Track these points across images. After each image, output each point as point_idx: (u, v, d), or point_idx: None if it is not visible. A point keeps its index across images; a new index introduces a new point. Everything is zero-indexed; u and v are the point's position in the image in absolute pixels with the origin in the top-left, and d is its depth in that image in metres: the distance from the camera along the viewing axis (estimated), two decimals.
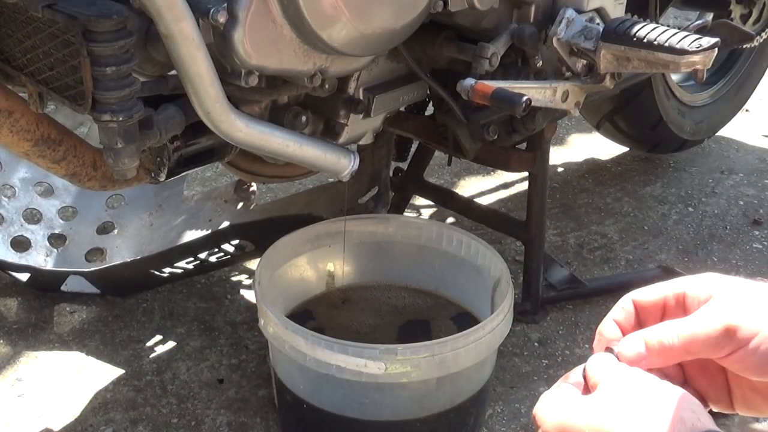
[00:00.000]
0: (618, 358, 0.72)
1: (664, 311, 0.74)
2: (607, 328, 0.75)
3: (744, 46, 2.25)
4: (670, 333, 0.70)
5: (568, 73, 1.57)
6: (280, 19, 1.24)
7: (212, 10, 1.17)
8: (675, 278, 0.74)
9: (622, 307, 0.75)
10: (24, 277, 1.93)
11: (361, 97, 1.48)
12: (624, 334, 0.74)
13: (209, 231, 1.94)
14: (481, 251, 1.68)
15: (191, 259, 1.96)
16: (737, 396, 0.73)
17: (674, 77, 2.42)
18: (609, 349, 0.73)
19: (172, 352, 1.83)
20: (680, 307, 0.73)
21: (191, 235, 1.94)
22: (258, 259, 1.64)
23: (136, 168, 1.22)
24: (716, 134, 2.66)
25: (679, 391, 0.66)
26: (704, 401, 0.74)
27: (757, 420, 1.67)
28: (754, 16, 2.30)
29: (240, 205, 1.98)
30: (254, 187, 1.99)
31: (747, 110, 2.85)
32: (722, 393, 0.74)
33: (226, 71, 1.26)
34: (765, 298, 0.69)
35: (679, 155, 2.63)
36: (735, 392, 0.73)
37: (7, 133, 1.27)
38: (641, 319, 0.75)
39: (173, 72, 1.22)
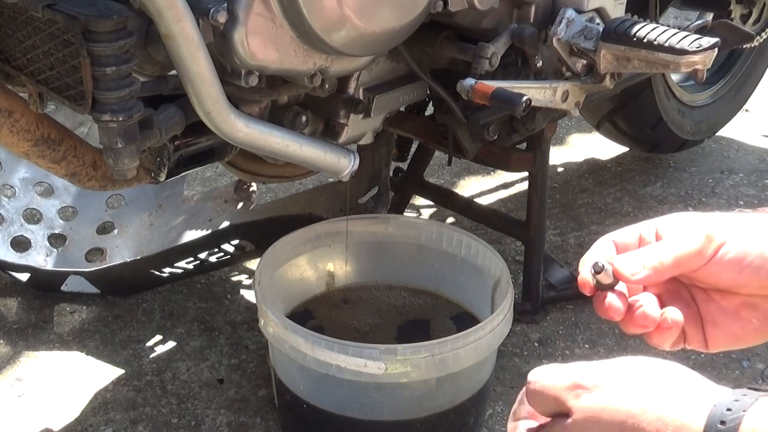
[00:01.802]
0: (614, 274, 0.76)
1: (640, 245, 0.80)
2: (592, 254, 0.79)
3: (744, 46, 2.25)
4: (661, 250, 0.77)
5: (568, 73, 1.57)
6: (280, 19, 1.24)
7: (212, 10, 1.17)
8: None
9: (604, 244, 0.80)
10: (24, 277, 1.93)
11: (361, 97, 1.48)
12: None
13: (209, 231, 1.94)
14: (481, 251, 1.68)
15: (191, 259, 1.96)
16: (708, 322, 0.79)
17: (674, 77, 2.41)
18: (597, 265, 0.76)
19: (172, 352, 1.83)
20: (655, 239, 0.80)
21: (191, 235, 1.94)
22: (258, 259, 1.64)
23: (136, 168, 1.22)
24: (716, 134, 2.66)
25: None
26: (684, 338, 0.79)
27: None
28: (754, 16, 2.30)
29: (240, 205, 1.98)
30: (254, 187, 1.99)
31: (747, 110, 2.85)
32: (696, 323, 0.79)
33: (226, 71, 1.26)
34: (727, 217, 0.78)
35: (679, 155, 2.63)
36: (706, 318, 0.79)
37: (7, 133, 1.27)
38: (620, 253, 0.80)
39: (173, 72, 1.22)
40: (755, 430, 0.61)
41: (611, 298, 0.77)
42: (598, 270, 0.76)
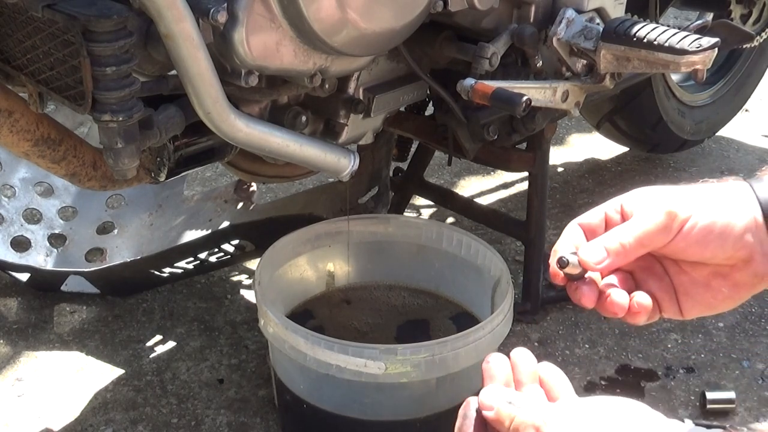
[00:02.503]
0: (580, 264, 0.78)
1: (607, 224, 0.82)
2: (562, 245, 0.82)
3: (744, 46, 2.25)
4: (624, 233, 0.79)
5: (568, 73, 1.57)
6: (280, 19, 1.24)
7: (212, 10, 1.17)
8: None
9: (571, 231, 0.83)
10: (24, 277, 1.93)
11: (361, 97, 1.48)
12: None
13: (209, 231, 1.94)
14: (481, 251, 1.68)
15: (191, 259, 1.96)
16: (681, 293, 0.81)
17: (674, 77, 2.41)
18: (561, 260, 0.79)
19: (172, 352, 1.83)
20: (619, 215, 0.82)
21: (191, 235, 1.94)
22: (258, 259, 1.64)
23: (136, 168, 1.22)
24: (716, 134, 2.66)
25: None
26: (660, 309, 0.82)
27: (757, 419, 1.67)
28: (754, 16, 2.30)
29: (240, 205, 1.98)
30: (254, 187, 1.99)
31: (747, 110, 2.85)
32: (670, 294, 0.82)
33: (226, 71, 1.26)
34: (692, 188, 0.81)
35: (679, 155, 2.63)
36: (679, 290, 0.81)
37: (7, 133, 1.27)
38: (588, 238, 0.82)
39: (173, 72, 1.22)
40: None
41: (582, 289, 0.80)
42: (562, 265, 0.79)
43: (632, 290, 0.81)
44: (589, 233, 0.82)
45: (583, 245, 0.80)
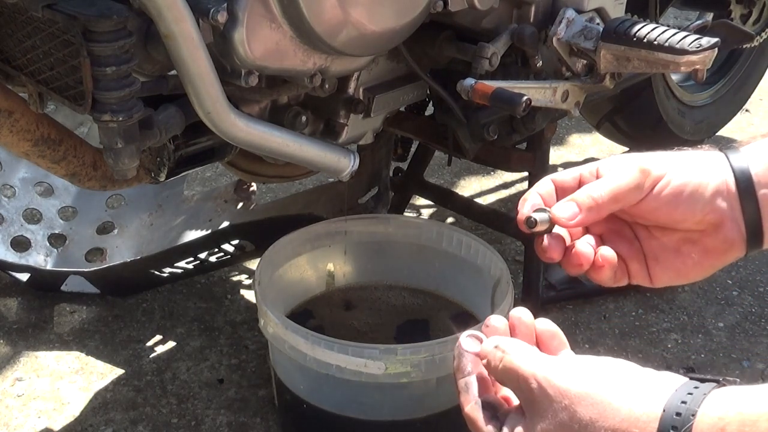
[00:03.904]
0: (552, 220, 0.79)
1: (580, 185, 0.82)
2: (532, 196, 0.82)
3: (744, 46, 2.25)
4: (597, 188, 0.79)
5: (568, 73, 1.57)
6: (280, 19, 1.24)
7: (212, 10, 1.17)
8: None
9: (544, 184, 0.83)
10: (24, 277, 1.93)
11: (361, 97, 1.48)
12: (547, 206, 0.81)
13: (209, 231, 1.94)
14: (481, 251, 1.68)
15: (191, 259, 1.96)
16: (651, 258, 0.82)
17: (674, 77, 2.41)
18: (541, 209, 0.80)
19: (172, 352, 1.83)
20: (594, 178, 0.82)
21: (191, 235, 1.94)
22: (258, 259, 1.64)
23: (136, 168, 1.22)
24: (716, 134, 2.66)
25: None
26: (629, 274, 0.82)
27: None
28: (754, 16, 2.30)
29: (240, 205, 1.97)
30: (254, 187, 1.99)
31: (747, 110, 2.85)
32: (639, 259, 0.82)
33: (226, 71, 1.26)
34: (666, 154, 0.81)
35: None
36: (649, 255, 0.82)
37: (7, 133, 1.27)
38: (560, 196, 0.82)
39: (173, 72, 1.22)
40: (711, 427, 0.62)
41: (550, 243, 0.81)
42: (531, 225, 0.79)
43: None
44: (561, 191, 0.83)
45: (556, 204, 0.80)
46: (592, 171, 0.82)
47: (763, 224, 0.79)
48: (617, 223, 0.83)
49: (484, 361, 0.74)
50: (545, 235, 0.81)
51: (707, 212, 0.79)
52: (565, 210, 0.79)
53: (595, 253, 0.80)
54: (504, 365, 0.72)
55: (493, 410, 0.73)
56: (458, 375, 0.76)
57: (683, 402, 0.63)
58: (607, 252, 0.80)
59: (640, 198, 0.79)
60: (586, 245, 0.81)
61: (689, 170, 0.79)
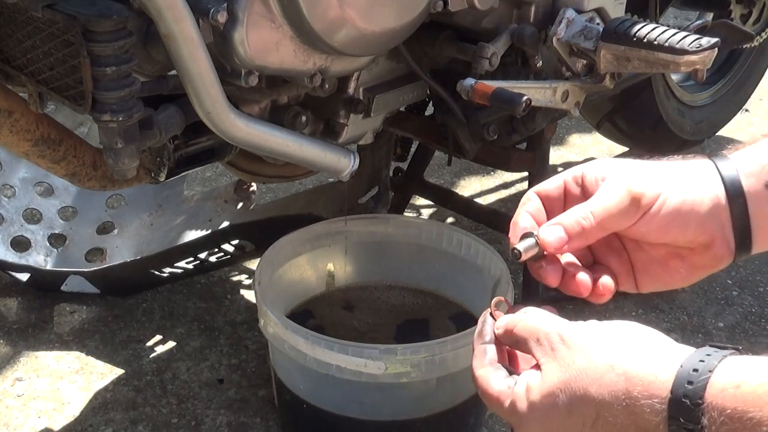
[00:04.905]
0: (540, 246, 0.78)
1: (566, 195, 0.81)
2: (522, 218, 0.81)
3: (744, 46, 2.25)
4: (584, 214, 0.77)
5: (568, 73, 1.57)
6: (280, 19, 1.24)
7: (212, 10, 1.17)
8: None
9: (529, 200, 0.82)
10: (24, 277, 1.93)
11: (361, 97, 1.48)
12: (537, 223, 0.81)
13: (209, 231, 1.94)
14: (481, 251, 1.68)
15: (191, 259, 1.96)
16: (638, 269, 0.82)
17: (674, 77, 2.41)
18: (527, 234, 0.79)
19: (172, 352, 1.83)
20: (579, 188, 0.81)
21: (191, 235, 1.94)
22: (258, 259, 1.64)
23: (136, 168, 1.22)
24: (716, 134, 2.66)
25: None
26: (615, 282, 0.82)
27: None
28: (754, 16, 2.30)
29: (240, 205, 1.97)
30: (254, 187, 1.99)
31: (747, 110, 2.85)
32: (627, 270, 0.82)
33: (226, 71, 1.26)
34: (658, 166, 0.79)
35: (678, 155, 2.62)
36: (637, 266, 0.82)
37: (7, 133, 1.27)
38: (547, 208, 0.82)
39: (173, 72, 1.22)
40: (724, 389, 0.62)
41: (546, 269, 0.81)
42: (516, 257, 0.79)
43: (590, 264, 0.82)
44: (547, 203, 0.82)
45: (543, 227, 0.79)
46: (577, 178, 0.81)
47: (752, 235, 0.79)
48: (607, 234, 0.82)
49: (508, 321, 0.75)
50: (540, 260, 0.81)
51: (698, 234, 0.78)
52: (554, 238, 0.78)
53: (596, 282, 0.81)
54: (526, 323, 0.74)
55: (507, 373, 0.75)
56: (478, 341, 0.77)
57: (701, 361, 0.65)
58: (608, 282, 0.81)
59: (629, 224, 0.78)
60: (585, 275, 0.81)
61: (681, 193, 0.77)
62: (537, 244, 0.79)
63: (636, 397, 0.64)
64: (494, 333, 0.77)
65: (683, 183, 0.78)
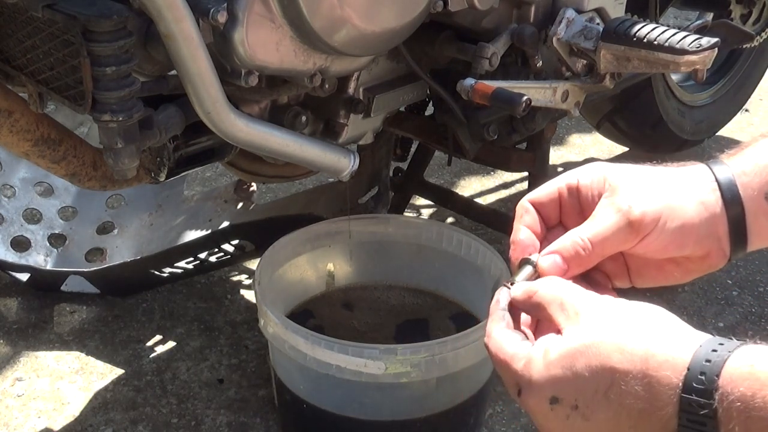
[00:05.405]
0: (538, 272, 0.78)
1: (561, 205, 0.81)
2: (521, 234, 0.81)
3: (744, 46, 2.25)
4: (582, 243, 0.77)
5: (568, 73, 1.57)
6: (280, 19, 1.24)
7: (212, 10, 1.17)
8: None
9: (524, 211, 0.82)
10: (24, 277, 1.93)
11: (361, 97, 1.48)
12: (535, 235, 0.81)
13: (209, 231, 1.94)
14: (481, 251, 1.68)
15: (191, 259, 1.96)
16: (634, 271, 0.82)
17: (674, 77, 2.41)
18: (526, 260, 0.79)
19: (172, 352, 1.83)
20: (574, 198, 0.80)
21: (191, 235, 1.94)
22: (258, 259, 1.64)
23: (136, 168, 1.22)
24: (716, 134, 2.66)
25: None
26: (609, 278, 0.82)
27: None
28: (754, 16, 2.30)
29: (240, 205, 1.97)
30: (254, 187, 1.99)
31: (747, 110, 2.85)
32: (623, 271, 0.82)
33: (226, 71, 1.26)
34: (655, 182, 0.79)
35: (678, 155, 2.62)
36: (631, 267, 0.82)
37: (7, 133, 1.27)
38: (543, 217, 0.82)
39: (173, 72, 1.22)
40: (738, 369, 0.63)
41: None
42: (513, 290, 0.78)
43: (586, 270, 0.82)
44: (543, 212, 0.82)
45: (542, 257, 0.79)
46: (572, 187, 0.80)
47: (747, 240, 0.79)
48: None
49: (528, 287, 0.75)
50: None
51: (696, 250, 0.78)
52: (553, 266, 0.78)
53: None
54: (549, 288, 0.74)
55: (524, 336, 0.75)
56: (495, 307, 0.77)
57: (721, 344, 0.65)
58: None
59: (627, 248, 0.78)
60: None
61: (680, 215, 0.77)
62: (536, 271, 0.79)
63: (654, 367, 0.65)
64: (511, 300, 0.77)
65: (681, 201, 0.77)
